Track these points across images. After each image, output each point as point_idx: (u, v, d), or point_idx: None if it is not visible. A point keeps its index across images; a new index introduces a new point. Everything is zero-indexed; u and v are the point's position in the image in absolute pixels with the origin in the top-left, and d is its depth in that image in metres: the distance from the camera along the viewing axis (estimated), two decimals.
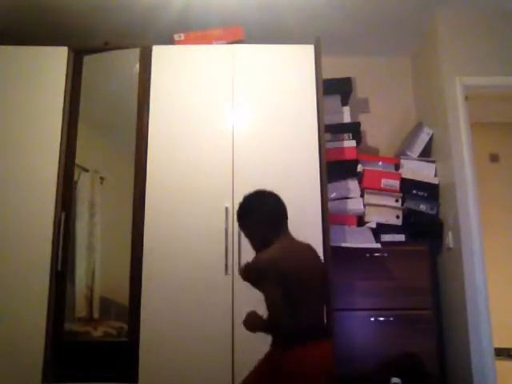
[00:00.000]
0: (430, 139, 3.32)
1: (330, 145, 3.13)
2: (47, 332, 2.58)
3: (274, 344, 1.94)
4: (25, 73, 2.90)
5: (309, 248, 2.10)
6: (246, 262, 2.03)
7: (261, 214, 2.07)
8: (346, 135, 3.23)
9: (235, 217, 2.64)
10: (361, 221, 3.10)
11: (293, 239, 2.07)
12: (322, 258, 2.21)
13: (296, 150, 2.78)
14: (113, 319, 2.77)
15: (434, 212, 3.15)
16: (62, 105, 2.84)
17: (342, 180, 3.15)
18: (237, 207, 2.15)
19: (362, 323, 2.89)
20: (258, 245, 2.06)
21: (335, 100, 3.38)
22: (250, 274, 1.96)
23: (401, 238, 3.04)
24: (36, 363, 2.53)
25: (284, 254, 1.94)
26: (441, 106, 3.16)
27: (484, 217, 2.98)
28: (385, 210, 3.11)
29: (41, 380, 2.52)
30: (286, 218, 2.11)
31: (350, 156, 3.19)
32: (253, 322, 1.93)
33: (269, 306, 1.83)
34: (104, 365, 2.54)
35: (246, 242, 2.59)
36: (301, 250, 2.04)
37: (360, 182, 3.17)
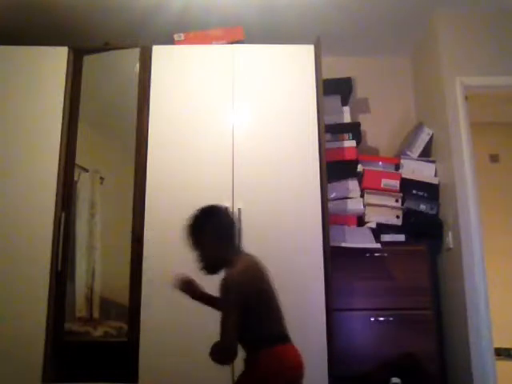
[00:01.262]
0: (430, 139, 3.32)
1: (329, 145, 3.13)
2: (47, 332, 2.57)
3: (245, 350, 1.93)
4: (25, 73, 2.90)
5: (256, 260, 2.00)
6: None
7: (213, 230, 1.97)
8: (346, 135, 3.23)
9: (235, 217, 2.66)
10: (361, 221, 3.10)
11: (245, 254, 2.01)
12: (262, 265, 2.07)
13: (296, 149, 2.78)
14: (113, 319, 2.77)
15: (434, 212, 3.15)
16: (62, 105, 2.84)
17: (342, 180, 3.15)
18: (187, 224, 2.02)
19: (362, 323, 2.89)
20: (212, 265, 1.97)
21: (335, 100, 3.38)
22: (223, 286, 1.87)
23: (401, 238, 3.04)
24: (36, 363, 2.53)
25: (243, 273, 1.88)
26: (441, 106, 3.16)
27: (484, 217, 2.98)
28: (385, 210, 3.11)
29: (41, 380, 2.51)
30: (236, 232, 2.06)
31: (349, 156, 3.19)
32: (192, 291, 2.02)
33: (222, 327, 1.80)
34: (104, 365, 2.54)
35: (246, 242, 2.61)
36: (254, 264, 1.96)
37: (360, 182, 3.17)
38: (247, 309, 1.82)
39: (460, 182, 2.96)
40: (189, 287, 2.09)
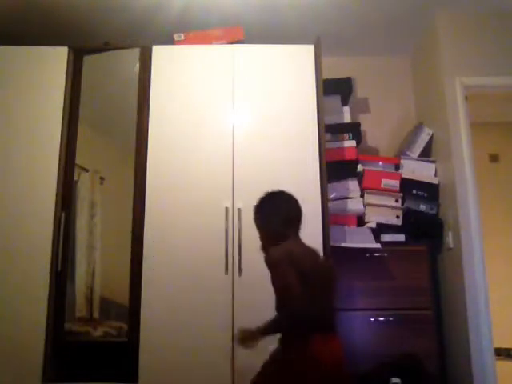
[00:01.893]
0: (430, 139, 3.32)
1: (329, 145, 3.13)
2: (47, 332, 2.58)
3: (283, 337, 1.91)
4: (25, 73, 2.90)
5: (317, 251, 2.10)
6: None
7: (281, 211, 2.07)
8: (346, 135, 3.23)
9: (235, 217, 2.66)
10: (361, 221, 3.10)
11: (303, 243, 2.07)
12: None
13: (296, 149, 2.78)
14: (113, 319, 2.76)
15: (434, 212, 3.15)
16: (61, 105, 2.84)
17: (342, 180, 3.15)
18: (256, 201, 2.13)
19: (362, 323, 2.89)
20: (270, 240, 2.03)
21: (335, 100, 3.38)
22: (267, 261, 1.94)
23: (401, 238, 3.04)
24: (36, 363, 2.53)
25: (299, 249, 1.96)
26: (441, 106, 3.16)
27: (484, 217, 2.98)
28: (385, 210, 3.11)
29: (41, 380, 2.51)
30: (301, 222, 2.10)
31: (349, 156, 3.19)
32: (250, 333, 1.89)
33: (282, 289, 1.82)
34: (104, 365, 2.54)
35: (246, 242, 2.62)
36: (313, 251, 2.04)
37: (360, 182, 3.17)
38: (302, 277, 1.81)
39: (460, 181, 2.96)
40: (248, 338, 1.97)
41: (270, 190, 2.13)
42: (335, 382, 1.82)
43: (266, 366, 1.95)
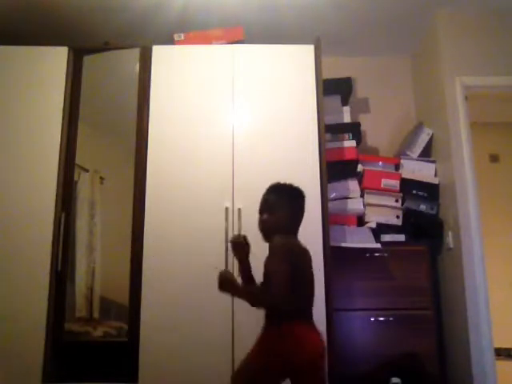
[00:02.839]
0: (430, 139, 3.32)
1: (330, 145, 3.13)
2: (47, 332, 2.58)
3: (267, 319, 1.93)
4: (25, 73, 2.90)
5: (309, 253, 2.10)
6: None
7: (300, 206, 2.09)
8: (346, 135, 3.23)
9: (235, 217, 2.66)
10: (361, 221, 3.10)
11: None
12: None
13: (296, 149, 2.78)
14: (113, 319, 2.77)
15: (434, 212, 3.15)
16: (61, 105, 2.84)
17: (342, 180, 3.15)
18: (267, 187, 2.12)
19: (362, 323, 2.89)
20: (280, 227, 2.02)
21: (335, 100, 3.38)
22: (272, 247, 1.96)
23: (401, 238, 3.04)
24: (36, 363, 2.53)
25: (300, 248, 1.99)
26: (441, 106, 3.16)
27: (484, 217, 2.98)
28: (385, 210, 3.11)
29: (41, 380, 2.51)
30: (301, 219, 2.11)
31: (349, 156, 3.19)
32: (232, 283, 1.93)
33: (272, 277, 1.85)
34: (104, 365, 2.54)
35: None
36: (308, 252, 2.05)
37: (360, 182, 3.17)
38: (294, 272, 1.85)
39: (460, 181, 2.96)
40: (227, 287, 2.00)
41: (289, 183, 2.13)
42: (313, 371, 1.84)
43: (254, 348, 1.95)
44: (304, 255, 2.01)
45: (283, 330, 1.84)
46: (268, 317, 1.93)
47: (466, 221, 2.90)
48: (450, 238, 3.01)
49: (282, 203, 2.07)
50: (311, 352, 1.85)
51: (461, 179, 2.96)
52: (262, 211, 2.10)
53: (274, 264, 1.91)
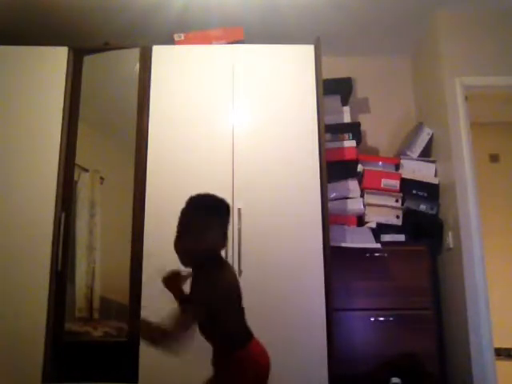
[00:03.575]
0: (430, 139, 3.32)
1: (330, 145, 3.13)
2: (47, 332, 2.57)
3: (218, 352, 1.90)
4: (25, 73, 2.90)
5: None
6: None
7: (226, 222, 1.87)
8: (346, 135, 3.23)
9: (235, 217, 2.66)
10: (361, 221, 3.10)
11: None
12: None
13: (296, 149, 2.78)
14: (113, 319, 2.77)
15: (434, 212, 3.15)
16: (61, 105, 2.84)
17: (342, 180, 3.15)
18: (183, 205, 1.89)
19: (362, 323, 2.89)
20: (208, 250, 1.82)
21: (335, 100, 3.38)
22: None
23: (401, 238, 3.04)
24: (36, 363, 2.53)
25: (234, 277, 1.88)
26: (441, 106, 3.16)
27: (484, 217, 2.98)
28: (385, 210, 3.11)
29: (41, 380, 2.51)
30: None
31: (349, 156, 3.20)
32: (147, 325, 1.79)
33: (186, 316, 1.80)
34: (104, 365, 2.54)
35: (246, 242, 2.61)
36: (233, 274, 1.93)
37: (360, 182, 3.17)
38: (226, 309, 1.78)
39: (460, 181, 2.96)
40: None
41: (212, 194, 1.91)
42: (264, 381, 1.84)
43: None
44: (235, 282, 1.86)
45: (240, 355, 1.79)
46: (217, 348, 1.87)
47: (465, 221, 2.90)
48: (450, 238, 3.01)
49: (208, 221, 1.80)
50: (267, 363, 1.84)
51: (461, 179, 2.96)
52: (182, 232, 1.85)
53: (196, 302, 1.80)
